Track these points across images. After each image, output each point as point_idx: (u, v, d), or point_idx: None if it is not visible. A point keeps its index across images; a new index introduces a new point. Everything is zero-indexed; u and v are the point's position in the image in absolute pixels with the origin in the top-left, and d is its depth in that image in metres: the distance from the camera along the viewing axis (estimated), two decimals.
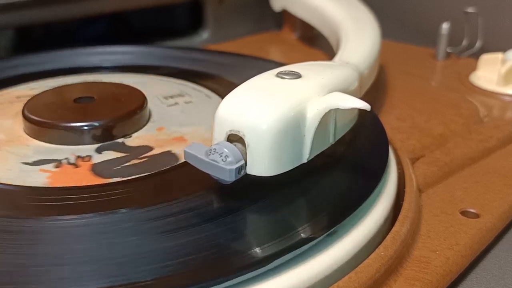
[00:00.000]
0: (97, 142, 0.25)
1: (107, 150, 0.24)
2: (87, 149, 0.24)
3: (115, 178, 0.22)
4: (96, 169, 0.22)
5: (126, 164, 0.23)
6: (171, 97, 0.30)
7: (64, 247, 0.18)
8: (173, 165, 0.22)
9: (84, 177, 0.22)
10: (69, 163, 0.23)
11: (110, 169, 0.22)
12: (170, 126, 0.26)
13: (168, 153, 0.23)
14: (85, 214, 0.19)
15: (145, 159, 0.23)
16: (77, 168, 0.22)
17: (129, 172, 0.22)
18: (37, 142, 0.25)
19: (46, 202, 0.20)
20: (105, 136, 0.25)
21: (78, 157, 0.23)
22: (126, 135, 0.25)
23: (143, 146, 0.24)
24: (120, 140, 0.25)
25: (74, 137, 0.25)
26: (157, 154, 0.24)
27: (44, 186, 0.21)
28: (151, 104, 0.28)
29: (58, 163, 0.23)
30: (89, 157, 0.23)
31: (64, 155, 0.24)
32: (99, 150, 0.24)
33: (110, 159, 0.23)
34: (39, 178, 0.22)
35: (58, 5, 0.41)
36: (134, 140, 0.25)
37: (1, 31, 0.43)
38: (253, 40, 0.49)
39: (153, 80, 0.33)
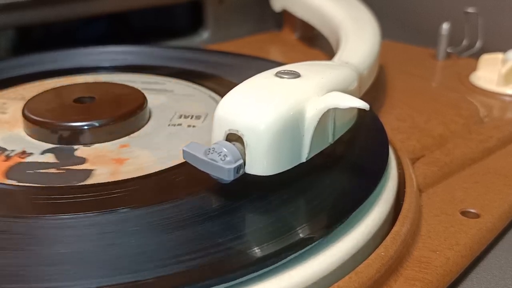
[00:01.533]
0: (61, 143, 0.24)
1: (51, 153, 0.24)
2: (40, 147, 0.24)
3: (11, 181, 0.21)
4: (12, 167, 0.22)
5: (41, 170, 0.22)
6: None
7: (64, 246, 0.18)
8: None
9: None
10: (7, 156, 0.23)
11: (22, 171, 0.22)
12: (134, 146, 0.25)
13: (85, 171, 0.22)
14: (85, 213, 0.19)
15: (62, 171, 0.22)
16: (5, 162, 0.23)
17: (33, 179, 0.22)
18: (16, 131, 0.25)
19: (47, 200, 0.20)
20: (68, 139, 0.24)
21: (23, 152, 0.23)
22: (88, 143, 0.24)
23: (81, 158, 0.23)
24: (76, 147, 0.24)
25: (45, 135, 0.25)
26: (77, 169, 0.22)
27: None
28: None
29: (9, 152, 0.23)
30: (29, 155, 0.23)
31: (19, 147, 0.24)
32: (44, 151, 0.24)
33: (37, 162, 0.23)
34: None
35: (58, 5, 0.41)
36: (89, 150, 0.24)
37: (1, 31, 0.43)
38: (253, 40, 0.49)
39: (153, 80, 0.33)
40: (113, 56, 0.37)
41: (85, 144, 0.24)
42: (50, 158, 0.23)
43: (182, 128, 0.26)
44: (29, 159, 0.23)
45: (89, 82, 0.31)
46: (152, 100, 0.29)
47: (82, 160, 0.23)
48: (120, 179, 0.21)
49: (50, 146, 0.24)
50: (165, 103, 0.29)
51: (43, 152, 0.24)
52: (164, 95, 0.30)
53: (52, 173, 0.22)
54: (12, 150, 0.24)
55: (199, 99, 0.30)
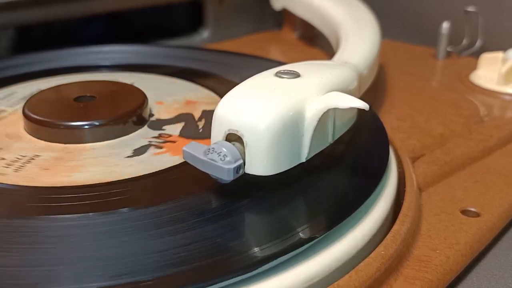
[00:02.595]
0: (138, 126, 0.26)
1: (163, 126, 0.26)
2: (143, 133, 0.25)
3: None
4: (187, 135, 0.25)
5: (200, 127, 0.25)
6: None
7: (65, 246, 0.18)
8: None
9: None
10: (162, 143, 0.24)
11: (197, 132, 0.25)
12: (165, 98, 0.27)
13: (207, 112, 0.25)
14: (85, 214, 0.19)
15: (203, 119, 0.25)
16: (175, 143, 0.24)
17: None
18: (89, 145, 0.25)
19: (48, 202, 0.20)
20: (141, 120, 0.26)
21: (154, 137, 0.25)
22: (149, 115, 0.27)
23: (180, 114, 0.26)
24: (153, 119, 0.26)
25: (121, 130, 0.25)
26: (202, 114, 0.26)
27: (178, 163, 0.22)
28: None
29: (153, 147, 0.24)
30: (165, 133, 0.25)
31: (140, 142, 0.25)
32: (155, 128, 0.26)
33: (182, 128, 0.26)
34: (166, 157, 0.23)
35: (58, 5, 0.41)
36: (160, 115, 0.27)
37: (1, 31, 0.43)
38: (253, 39, 0.49)
39: (154, 79, 0.33)
40: (113, 55, 0.37)
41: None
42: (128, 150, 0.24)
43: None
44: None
45: (90, 81, 0.31)
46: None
47: (161, 142, 0.24)
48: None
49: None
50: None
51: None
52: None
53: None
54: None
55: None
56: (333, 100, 0.20)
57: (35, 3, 0.40)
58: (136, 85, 0.29)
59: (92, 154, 0.24)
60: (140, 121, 0.26)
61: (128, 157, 0.23)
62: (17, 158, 0.23)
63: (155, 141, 0.24)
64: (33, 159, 0.23)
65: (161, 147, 0.24)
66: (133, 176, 0.22)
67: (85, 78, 0.32)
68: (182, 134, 0.25)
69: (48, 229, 0.18)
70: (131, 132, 0.25)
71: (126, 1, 0.45)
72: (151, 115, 0.27)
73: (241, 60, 0.36)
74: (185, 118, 0.27)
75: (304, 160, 0.20)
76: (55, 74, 0.33)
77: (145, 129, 0.26)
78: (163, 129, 0.26)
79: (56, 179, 0.22)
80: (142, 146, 0.24)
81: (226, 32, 0.50)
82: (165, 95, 0.30)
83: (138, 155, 0.23)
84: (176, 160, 0.23)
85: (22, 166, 0.23)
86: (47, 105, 0.27)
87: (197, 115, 0.27)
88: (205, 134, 0.25)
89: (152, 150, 0.24)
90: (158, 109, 0.28)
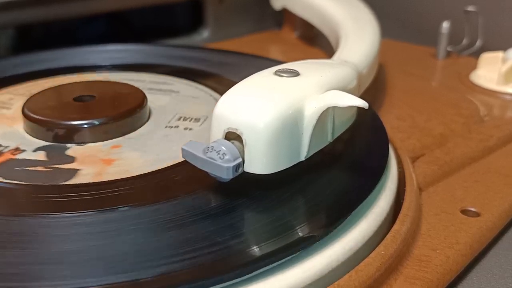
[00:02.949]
0: (55, 141, 0.24)
1: (43, 151, 0.24)
2: (34, 144, 0.24)
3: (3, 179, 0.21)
4: (1, 164, 0.23)
5: (29, 168, 0.22)
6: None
7: (64, 245, 0.18)
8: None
9: None
10: (0, 152, 0.23)
11: (10, 167, 0.22)
12: (127, 146, 0.24)
13: (71, 171, 0.22)
14: (85, 212, 0.19)
15: (48, 170, 0.22)
16: None
17: (18, 176, 0.22)
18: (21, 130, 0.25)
19: (46, 199, 0.20)
20: (62, 138, 0.24)
21: (16, 149, 0.24)
22: (81, 143, 0.24)
23: (71, 157, 0.23)
24: (69, 145, 0.24)
25: (40, 132, 0.25)
26: (63, 168, 0.22)
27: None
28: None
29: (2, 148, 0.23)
30: (21, 151, 0.24)
31: (14, 144, 0.24)
32: (37, 149, 0.24)
33: (28, 159, 0.23)
34: None
35: (58, 4, 0.41)
36: (81, 149, 0.24)
37: (1, 30, 0.43)
38: (253, 39, 0.49)
39: (153, 80, 0.33)
40: (113, 55, 0.37)
41: (78, 143, 0.24)
42: (41, 156, 0.23)
43: (178, 130, 0.26)
44: (20, 156, 0.23)
45: (91, 81, 0.31)
46: (156, 101, 0.29)
47: (71, 159, 0.23)
48: (103, 180, 0.21)
49: (44, 143, 0.24)
50: (168, 104, 0.29)
51: (36, 150, 0.24)
52: (169, 95, 0.30)
53: (39, 171, 0.22)
54: (7, 146, 0.24)
55: (203, 101, 0.29)
56: (333, 98, 0.20)
57: (35, 3, 0.40)
58: (144, 85, 0.29)
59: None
60: (63, 139, 0.24)
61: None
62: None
63: (10, 147, 0.24)
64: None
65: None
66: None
67: (85, 78, 0.32)
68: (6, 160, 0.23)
69: (47, 227, 0.18)
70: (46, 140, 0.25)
71: (126, 0, 0.45)
72: (80, 143, 0.25)
73: (241, 59, 0.36)
74: (57, 159, 0.23)
75: (303, 159, 0.20)
76: (54, 74, 0.33)
77: (45, 143, 0.24)
78: (35, 151, 0.24)
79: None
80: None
81: (226, 31, 0.50)
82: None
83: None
84: None
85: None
86: (46, 104, 0.27)
87: (71, 166, 0.23)
88: (7, 174, 0.22)
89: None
90: (103, 146, 0.26)
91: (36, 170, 0.22)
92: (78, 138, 0.24)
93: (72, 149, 0.24)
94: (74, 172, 0.22)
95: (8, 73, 0.34)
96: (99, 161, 0.23)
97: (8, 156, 0.23)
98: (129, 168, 0.22)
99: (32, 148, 0.24)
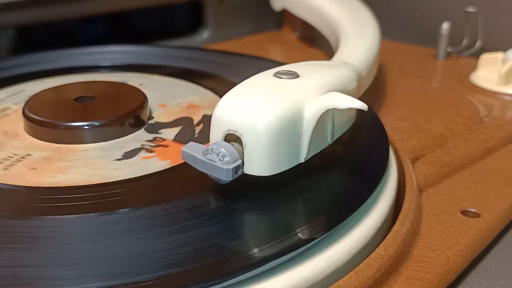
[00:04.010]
0: (135, 128, 0.26)
1: (159, 129, 0.26)
2: (138, 136, 0.25)
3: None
4: (182, 140, 0.24)
5: (196, 132, 0.25)
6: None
7: (64, 247, 0.18)
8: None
9: None
10: (154, 147, 0.24)
11: (192, 137, 0.24)
12: (169, 101, 0.27)
13: (207, 116, 0.25)
14: (85, 214, 0.19)
15: (201, 124, 0.25)
16: (167, 147, 0.24)
17: (207, 135, 0.22)
18: (82, 146, 0.25)
19: (48, 202, 0.20)
20: (138, 122, 0.26)
21: (149, 141, 0.25)
22: (149, 118, 0.27)
23: (180, 118, 0.26)
24: (152, 122, 0.26)
25: (119, 131, 0.25)
26: (201, 119, 0.26)
27: (168, 167, 0.22)
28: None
29: (144, 150, 0.24)
30: (159, 137, 0.25)
31: (134, 145, 0.24)
32: (151, 131, 0.26)
33: (178, 133, 0.25)
34: (155, 162, 0.23)
35: (58, 5, 0.41)
36: (160, 118, 0.27)
37: (1, 31, 0.43)
38: (253, 40, 0.49)
39: (154, 79, 0.33)
40: (113, 56, 0.37)
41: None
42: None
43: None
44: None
45: (92, 81, 0.31)
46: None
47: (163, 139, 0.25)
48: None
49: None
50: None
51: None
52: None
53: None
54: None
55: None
56: (332, 100, 0.20)
57: (35, 4, 0.40)
58: (143, 86, 0.29)
59: (82, 156, 0.23)
60: (137, 124, 0.26)
61: (117, 160, 0.23)
62: (9, 157, 0.23)
63: (148, 144, 0.24)
64: (24, 158, 0.23)
65: (151, 151, 0.24)
66: (133, 176, 0.22)
67: (86, 78, 0.32)
68: (177, 138, 0.25)
69: (47, 229, 0.18)
70: (126, 134, 0.25)
71: (127, 1, 0.45)
72: (150, 117, 0.27)
73: (241, 60, 0.36)
74: (183, 122, 0.27)
75: (303, 161, 0.20)
76: (54, 75, 0.33)
77: (141, 132, 0.26)
78: (159, 133, 0.25)
79: (41, 179, 0.22)
80: (133, 149, 0.24)
81: (226, 32, 0.50)
82: (170, 97, 0.30)
83: (127, 158, 0.23)
84: (163, 165, 0.22)
85: (12, 165, 0.23)
86: (47, 104, 0.27)
87: (196, 119, 0.27)
88: (200, 139, 0.25)
89: (142, 153, 0.23)
90: (160, 112, 0.28)
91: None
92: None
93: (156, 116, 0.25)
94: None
95: (11, 73, 0.34)
96: (186, 110, 0.25)
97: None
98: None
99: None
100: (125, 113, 0.26)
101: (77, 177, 0.22)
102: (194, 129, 0.26)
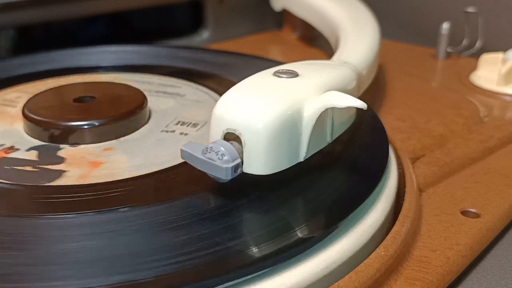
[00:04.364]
0: (50, 142, 0.24)
1: (35, 150, 0.24)
2: (29, 144, 0.24)
3: None
4: None
5: (18, 167, 0.22)
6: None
7: (64, 245, 0.17)
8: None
9: None
10: None
11: (1, 166, 0.22)
12: (118, 149, 0.24)
13: (58, 172, 0.22)
14: (85, 212, 0.19)
15: (36, 170, 0.22)
16: None
17: (5, 175, 0.22)
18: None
19: (47, 200, 0.20)
20: (56, 138, 0.24)
21: (10, 147, 0.24)
22: (75, 143, 0.24)
23: (61, 157, 0.23)
24: (62, 146, 0.24)
25: (36, 132, 0.25)
26: (50, 169, 0.22)
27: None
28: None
29: None
30: (15, 150, 0.24)
31: (9, 142, 0.24)
32: (30, 148, 0.24)
33: (19, 158, 0.23)
34: None
35: (58, 5, 0.41)
36: (73, 150, 0.24)
37: (1, 31, 0.43)
38: (253, 39, 0.49)
39: (153, 80, 0.33)
40: (113, 56, 0.37)
41: (72, 144, 0.24)
42: (32, 155, 0.23)
43: (173, 135, 0.25)
44: (12, 155, 0.23)
45: (92, 82, 0.31)
46: (160, 104, 0.29)
47: (61, 160, 0.23)
48: (88, 183, 0.21)
49: (38, 143, 0.24)
50: (171, 107, 0.29)
51: (29, 149, 0.24)
52: (174, 99, 0.30)
53: (26, 171, 0.22)
54: (2, 145, 0.24)
55: (206, 106, 0.29)
56: (331, 99, 0.20)
57: (36, 4, 0.40)
58: (151, 87, 0.29)
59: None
60: (56, 139, 0.24)
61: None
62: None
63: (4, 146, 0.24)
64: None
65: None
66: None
67: (85, 79, 0.32)
68: None
69: (46, 228, 0.18)
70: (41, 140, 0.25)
71: (127, 1, 0.45)
72: (74, 144, 0.25)
73: (241, 60, 0.36)
74: (46, 160, 0.23)
75: (302, 160, 0.20)
76: (54, 75, 0.33)
77: (40, 143, 0.25)
78: (28, 151, 0.24)
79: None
80: None
81: (226, 32, 0.50)
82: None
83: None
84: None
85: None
86: (46, 105, 0.27)
87: (59, 167, 0.23)
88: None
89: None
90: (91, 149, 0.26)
91: (24, 170, 0.22)
92: (72, 139, 0.24)
93: (64, 150, 0.24)
94: (60, 173, 0.22)
95: (15, 73, 0.34)
96: (87, 163, 0.23)
97: (1, 154, 0.23)
98: (115, 171, 0.22)
99: (25, 147, 0.24)
100: (123, 114, 0.25)
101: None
102: (25, 166, 0.23)
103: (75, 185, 0.21)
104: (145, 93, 0.28)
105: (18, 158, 0.23)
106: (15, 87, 0.31)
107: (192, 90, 0.31)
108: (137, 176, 0.22)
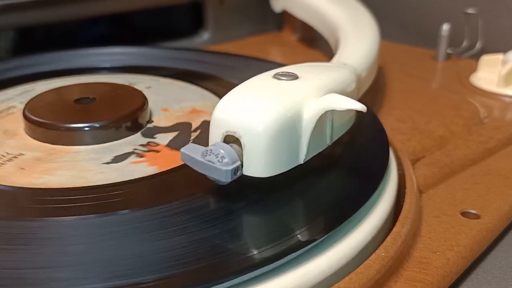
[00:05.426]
0: (132, 132, 0.25)
1: (155, 134, 0.25)
2: (132, 140, 0.25)
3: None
4: (175, 146, 0.24)
5: (192, 138, 0.24)
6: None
7: (65, 248, 0.18)
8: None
9: (172, 156, 0.23)
10: (145, 151, 0.24)
11: (187, 143, 0.22)
12: (171, 105, 0.27)
13: (206, 122, 0.24)
14: (86, 215, 0.19)
15: (199, 130, 0.25)
16: (159, 152, 0.23)
17: (205, 141, 0.21)
18: (75, 148, 0.24)
19: (49, 203, 0.20)
20: (136, 125, 0.26)
21: (142, 145, 0.24)
22: (148, 121, 0.26)
23: (179, 123, 0.26)
24: (150, 126, 0.26)
25: (114, 134, 0.25)
26: (200, 124, 0.25)
27: (156, 172, 0.22)
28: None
29: (135, 155, 0.23)
30: (153, 142, 0.24)
31: (126, 149, 0.24)
32: (147, 136, 0.25)
33: (173, 138, 0.24)
34: (143, 167, 0.22)
35: (59, 6, 0.41)
36: (160, 122, 0.26)
37: (2, 32, 0.43)
38: (254, 41, 0.49)
39: (153, 81, 0.33)
40: (113, 57, 0.37)
41: (149, 122, 0.26)
42: (165, 136, 0.25)
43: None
44: (161, 140, 0.24)
45: (92, 83, 0.31)
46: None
47: (187, 124, 0.25)
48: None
49: (134, 136, 0.25)
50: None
51: (149, 136, 0.25)
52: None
53: (200, 134, 0.25)
54: (133, 150, 0.24)
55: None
56: (331, 102, 0.20)
57: (36, 5, 0.40)
58: (151, 89, 0.29)
59: (73, 158, 0.23)
60: (134, 128, 0.25)
61: (105, 163, 0.23)
62: (2, 155, 0.24)
63: (140, 149, 0.24)
64: (16, 157, 0.23)
65: (142, 156, 0.23)
66: (134, 177, 0.22)
67: (86, 80, 0.32)
68: (170, 144, 0.24)
69: (48, 230, 0.18)
70: (121, 138, 0.25)
71: (128, 3, 0.45)
72: (150, 121, 0.27)
73: (242, 61, 0.36)
74: (181, 127, 0.26)
75: (302, 162, 0.20)
76: (54, 76, 0.33)
77: (137, 135, 0.25)
78: (154, 137, 0.25)
79: (26, 180, 0.22)
80: (124, 153, 0.24)
81: (227, 33, 0.50)
82: (174, 102, 0.29)
83: (115, 162, 0.23)
84: (150, 171, 0.22)
85: (3, 164, 0.23)
86: (46, 105, 0.27)
87: (195, 125, 0.26)
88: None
89: (132, 158, 0.23)
90: (161, 116, 0.27)
91: (199, 135, 0.24)
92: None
93: (158, 125, 0.25)
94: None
95: (15, 73, 0.34)
96: (188, 114, 0.25)
97: (161, 147, 0.24)
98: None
99: (143, 140, 0.25)
100: (122, 116, 0.25)
101: (62, 179, 0.22)
102: (190, 135, 0.25)
103: (75, 187, 0.21)
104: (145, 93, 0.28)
105: (172, 139, 0.25)
106: (14, 87, 0.31)
107: (192, 92, 0.31)
108: (137, 179, 0.22)
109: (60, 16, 0.42)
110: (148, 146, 0.24)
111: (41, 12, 0.41)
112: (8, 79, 0.33)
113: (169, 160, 0.23)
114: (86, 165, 0.23)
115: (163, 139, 0.25)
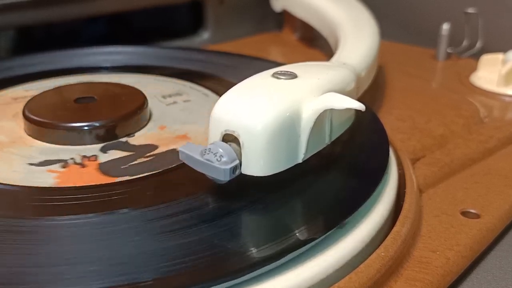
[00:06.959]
0: (101, 141, 0.24)
1: (112, 149, 0.24)
2: (91, 148, 0.24)
3: (122, 177, 0.21)
4: (104, 168, 0.22)
5: (133, 163, 0.23)
6: (170, 96, 0.30)
7: (65, 247, 0.18)
8: (176, 165, 0.22)
9: (92, 177, 0.22)
10: (76, 163, 0.23)
11: (117, 168, 0.22)
12: (171, 125, 0.26)
13: (173, 151, 0.23)
14: (85, 214, 0.19)
15: (151, 157, 0.23)
16: (84, 168, 0.22)
17: (136, 170, 0.22)
18: (39, 143, 0.25)
19: (48, 202, 0.20)
20: (109, 135, 0.25)
21: (84, 156, 0.23)
22: (129, 134, 0.25)
23: (147, 144, 0.24)
24: (123, 139, 0.25)
25: (76, 137, 0.24)
26: (163, 152, 0.24)
27: (52, 186, 0.21)
28: (151, 103, 0.28)
29: (64, 163, 0.23)
30: (95, 156, 0.23)
31: (69, 155, 0.24)
32: (104, 150, 0.24)
33: (116, 158, 0.23)
34: (47, 178, 0.22)
35: (58, 6, 0.41)
36: (137, 139, 0.25)
37: (1, 32, 0.43)
38: (254, 40, 0.49)
39: (153, 80, 0.33)
40: (113, 57, 0.37)
41: (128, 135, 0.25)
42: (118, 153, 0.24)
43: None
44: (103, 159, 0.23)
45: (92, 82, 0.31)
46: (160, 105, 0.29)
47: (153, 147, 0.24)
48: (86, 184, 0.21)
49: (97, 146, 0.24)
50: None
51: (104, 151, 0.24)
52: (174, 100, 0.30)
53: (145, 162, 0.23)
54: (71, 158, 0.23)
55: (197, 98, 0.29)
56: (329, 101, 0.20)
57: (36, 5, 0.40)
58: (135, 86, 0.29)
59: (15, 150, 0.24)
60: (105, 138, 0.25)
61: (30, 164, 0.23)
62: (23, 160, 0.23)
63: (75, 159, 0.23)
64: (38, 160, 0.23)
65: (64, 167, 0.22)
66: (135, 177, 0.22)
67: (85, 79, 0.32)
68: (103, 164, 0.23)
69: (49, 229, 0.18)
70: (84, 144, 0.24)
71: (127, 2, 0.45)
72: (129, 134, 0.25)
73: (241, 61, 0.36)
74: (140, 150, 0.24)
75: (300, 161, 0.20)
76: (54, 76, 0.33)
77: (97, 146, 0.24)
78: (106, 153, 0.24)
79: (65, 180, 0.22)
80: (56, 159, 0.23)
81: (227, 33, 0.50)
82: (180, 121, 0.27)
83: (39, 166, 0.23)
84: (49, 183, 0.21)
85: None
86: (48, 106, 0.27)
87: (159, 150, 0.24)
88: (128, 171, 0.22)
89: (54, 166, 0.23)
90: (148, 131, 0.26)
91: (141, 162, 0.23)
92: (125, 130, 0.25)
93: (132, 140, 0.25)
94: (176, 152, 0.23)
95: (15, 73, 0.34)
96: (175, 139, 0.24)
97: (94, 165, 0.23)
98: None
99: (96, 151, 0.24)
100: (129, 112, 0.26)
101: None
102: (136, 160, 0.23)
103: (74, 187, 0.21)
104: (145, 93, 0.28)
105: (116, 158, 0.23)
106: (15, 87, 0.31)
107: (192, 91, 0.31)
108: (136, 178, 0.21)
109: (59, 15, 0.42)
110: (84, 159, 0.23)
111: (41, 12, 0.41)
112: (8, 79, 0.33)
113: (75, 178, 0.22)
114: (14, 160, 0.23)
115: (110, 156, 0.24)
